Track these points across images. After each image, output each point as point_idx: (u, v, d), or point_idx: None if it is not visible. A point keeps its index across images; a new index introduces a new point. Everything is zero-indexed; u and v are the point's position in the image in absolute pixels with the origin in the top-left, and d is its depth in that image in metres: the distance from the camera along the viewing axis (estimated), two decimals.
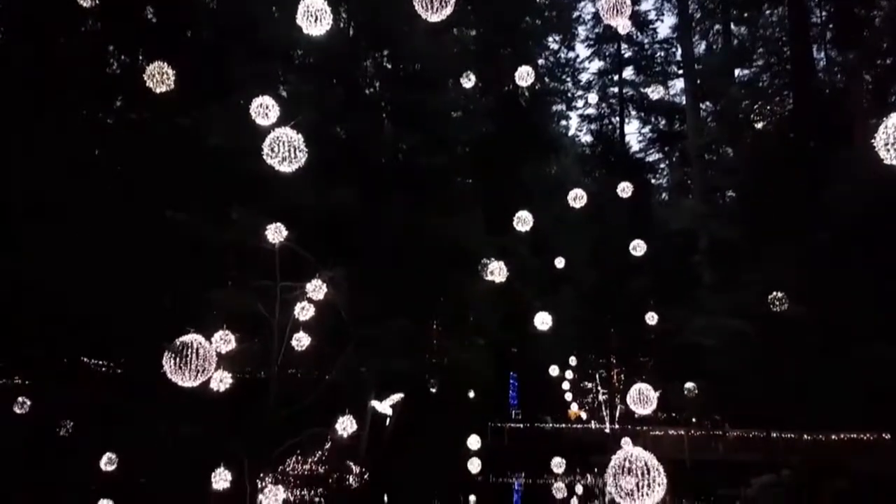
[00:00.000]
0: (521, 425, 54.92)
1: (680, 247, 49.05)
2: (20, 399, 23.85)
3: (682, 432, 42.74)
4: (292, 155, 11.35)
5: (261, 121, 12.56)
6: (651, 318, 28.66)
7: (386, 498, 31.04)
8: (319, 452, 34.70)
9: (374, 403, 33.54)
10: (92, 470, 21.10)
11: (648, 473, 11.06)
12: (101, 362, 42.29)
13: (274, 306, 23.40)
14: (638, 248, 24.14)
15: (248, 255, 25.15)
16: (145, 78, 13.68)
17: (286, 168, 11.22)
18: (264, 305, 24.29)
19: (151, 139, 28.42)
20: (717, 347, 34.77)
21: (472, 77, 24.43)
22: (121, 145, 30.19)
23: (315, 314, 20.59)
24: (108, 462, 21.62)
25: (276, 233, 18.21)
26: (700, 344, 36.16)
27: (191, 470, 20.93)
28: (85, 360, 41.47)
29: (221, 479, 16.80)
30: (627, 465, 11.31)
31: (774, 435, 37.18)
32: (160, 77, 13.71)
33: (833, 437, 35.54)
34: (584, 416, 63.68)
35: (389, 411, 33.72)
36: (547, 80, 62.70)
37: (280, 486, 16.17)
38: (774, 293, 26.08)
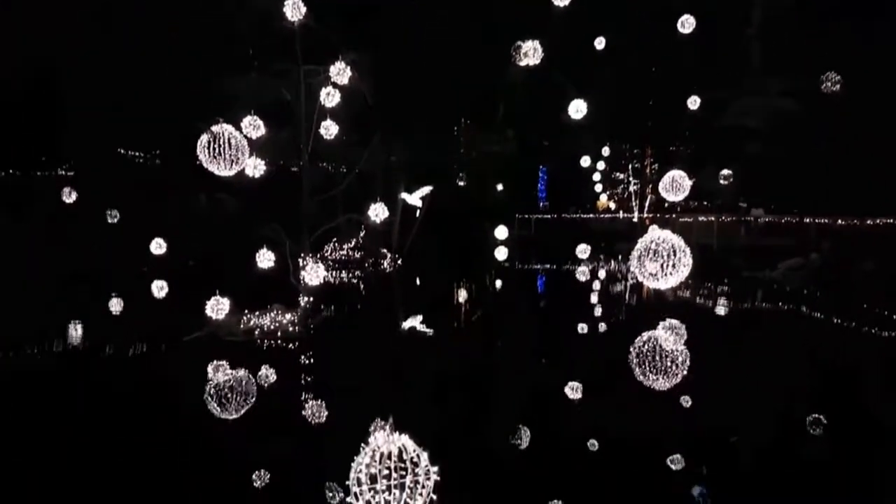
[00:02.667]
0: (549, 216, 56.04)
1: (730, 22, 45.13)
2: (66, 189, 24.75)
3: (713, 218, 43.10)
4: None
5: None
6: (693, 103, 27.22)
7: (418, 281, 32.81)
8: (355, 240, 36.34)
9: (405, 195, 34.09)
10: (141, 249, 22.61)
11: (674, 254, 11.14)
12: (138, 153, 43.34)
13: (298, 91, 22.76)
14: (686, 24, 22.11)
15: (268, 37, 23.93)
16: None
17: None
18: (288, 91, 23.76)
19: None
20: (761, 129, 33.50)
21: None
22: None
23: (341, 102, 20.01)
24: (157, 246, 22.98)
25: (294, 9, 16.93)
26: (743, 126, 34.86)
27: (236, 249, 22.10)
28: (122, 150, 42.44)
29: (265, 259, 17.71)
30: (654, 247, 11.36)
31: (807, 220, 37.23)
32: None
33: (868, 221, 35.45)
34: (612, 206, 64.40)
35: (419, 203, 34.29)
36: None
37: (320, 264, 16.93)
38: (829, 72, 24.28)
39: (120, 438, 10.59)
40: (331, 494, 9.11)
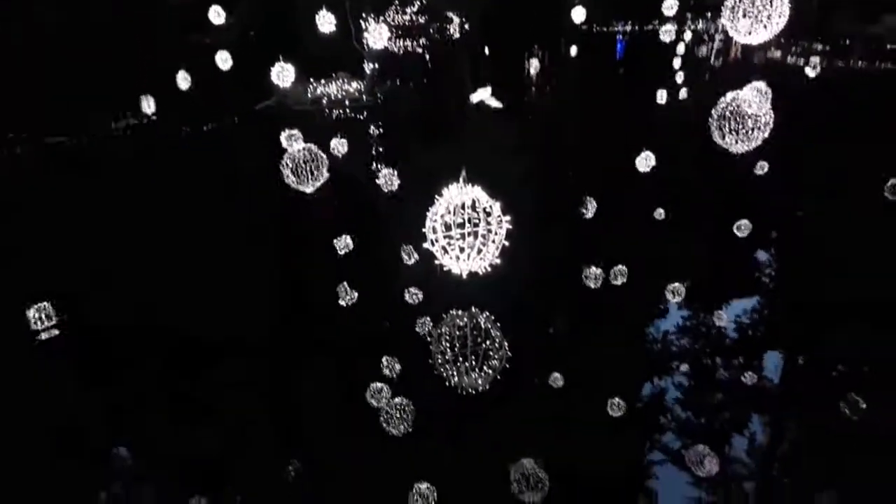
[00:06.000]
0: None
1: None
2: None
3: None
4: None
5: None
6: None
7: (486, 50, 31.22)
8: (418, 3, 34.19)
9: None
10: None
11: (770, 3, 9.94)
12: None
13: None
14: None
15: None
16: None
17: None
18: None
19: None
20: None
21: None
22: None
23: None
24: (215, 15, 22.35)
25: None
26: None
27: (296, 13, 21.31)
28: None
29: (326, 22, 17.02)
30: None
31: None
32: None
33: None
34: None
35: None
36: None
37: (384, 26, 16.23)
38: None
39: (212, 210, 11.24)
40: (407, 258, 9.71)
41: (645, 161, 12.30)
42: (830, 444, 10.68)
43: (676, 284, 10.82)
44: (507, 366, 5.46)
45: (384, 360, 9.39)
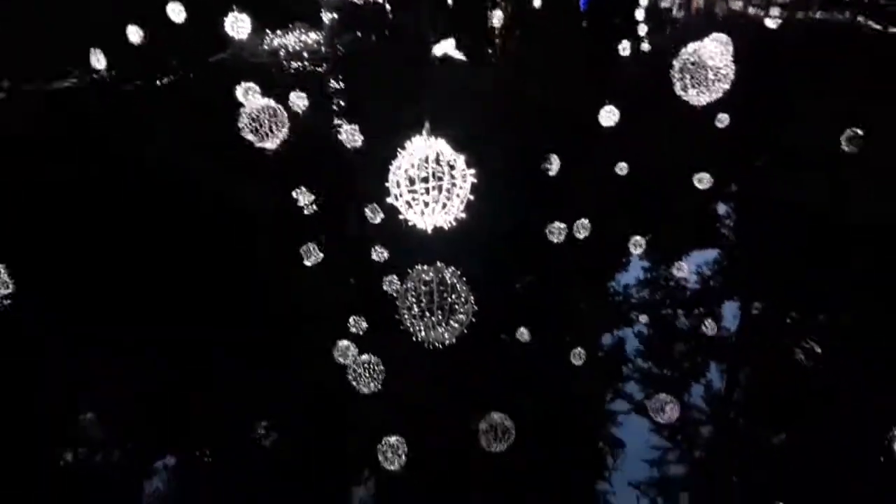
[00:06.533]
0: None
1: None
2: None
3: None
4: None
5: None
6: None
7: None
8: None
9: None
10: None
11: None
12: None
13: None
14: None
15: None
16: None
17: None
18: None
19: None
20: None
21: None
22: None
23: None
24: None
25: None
26: None
27: None
28: None
29: None
30: None
31: None
32: None
33: None
34: None
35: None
36: None
37: None
38: None
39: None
40: (371, 215, 9.60)
41: (608, 115, 12.27)
42: (785, 390, 11.14)
43: (638, 237, 10.95)
44: (473, 319, 5.48)
45: (351, 318, 9.36)
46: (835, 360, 10.82)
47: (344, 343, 8.91)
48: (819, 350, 10.62)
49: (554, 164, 10.89)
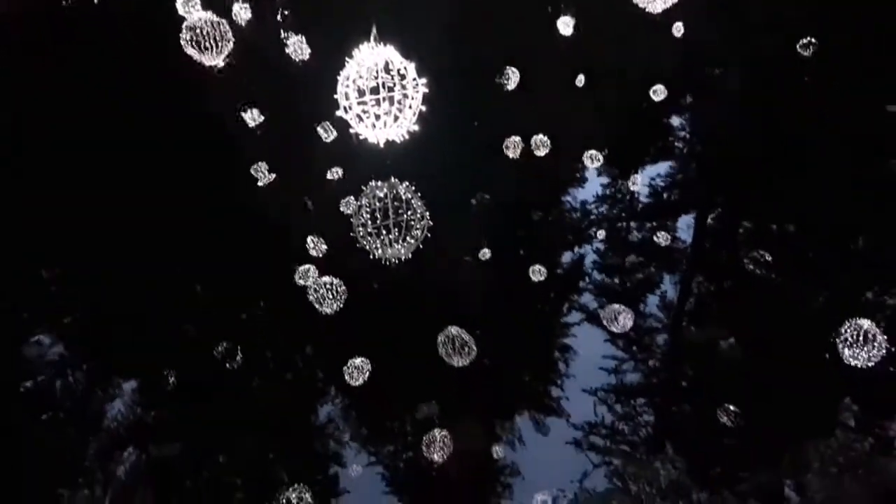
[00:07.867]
0: None
1: None
2: None
3: None
4: None
5: None
6: None
7: None
8: None
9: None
10: None
11: None
12: None
13: None
14: None
15: None
16: None
17: None
18: None
19: None
20: None
21: None
22: None
23: None
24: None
25: None
26: None
27: None
28: None
29: None
30: None
31: None
32: None
33: None
34: None
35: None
36: None
37: None
38: None
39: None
40: (325, 133, 9.31)
41: (565, 25, 11.96)
42: (734, 296, 11.57)
43: (594, 151, 10.94)
44: (429, 235, 5.43)
45: (309, 239, 9.23)
46: (783, 268, 11.20)
47: (304, 267, 8.82)
48: (769, 258, 10.96)
49: (512, 79, 10.64)
